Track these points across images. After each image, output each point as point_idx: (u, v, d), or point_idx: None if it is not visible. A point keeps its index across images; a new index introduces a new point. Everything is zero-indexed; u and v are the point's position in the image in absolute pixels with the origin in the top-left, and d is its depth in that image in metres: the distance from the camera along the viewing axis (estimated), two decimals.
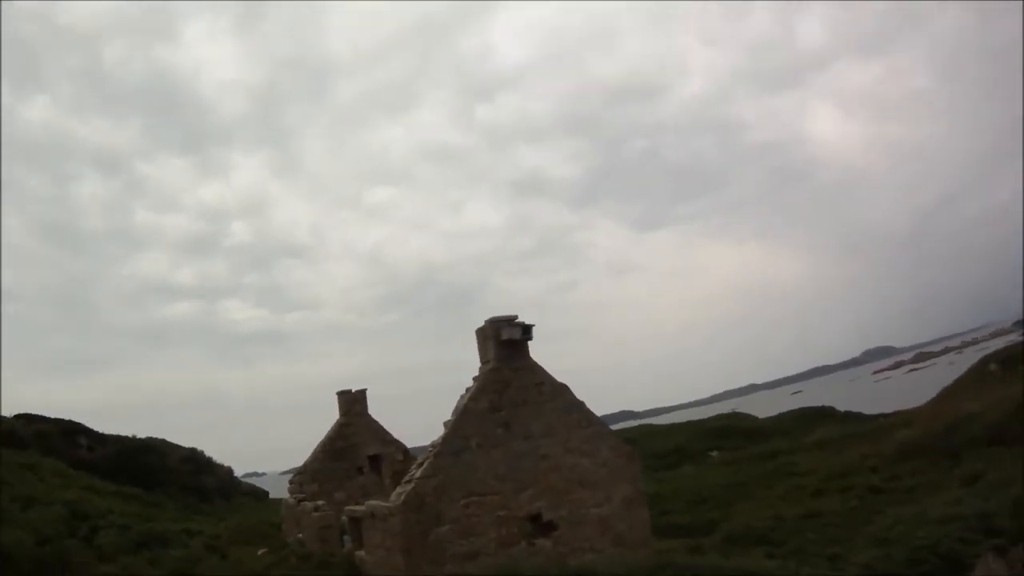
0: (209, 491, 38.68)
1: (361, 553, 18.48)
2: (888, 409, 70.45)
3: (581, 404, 20.08)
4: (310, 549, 20.80)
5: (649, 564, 12.88)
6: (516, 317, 18.68)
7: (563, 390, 19.77)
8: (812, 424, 72.32)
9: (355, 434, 27.31)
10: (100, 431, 40.99)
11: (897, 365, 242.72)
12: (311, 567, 18.61)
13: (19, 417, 40.07)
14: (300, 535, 23.02)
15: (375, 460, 27.60)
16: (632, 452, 21.26)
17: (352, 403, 27.52)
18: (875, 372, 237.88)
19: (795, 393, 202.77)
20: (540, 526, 18.57)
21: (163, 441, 41.86)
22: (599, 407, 19.43)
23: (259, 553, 23.79)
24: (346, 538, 19.71)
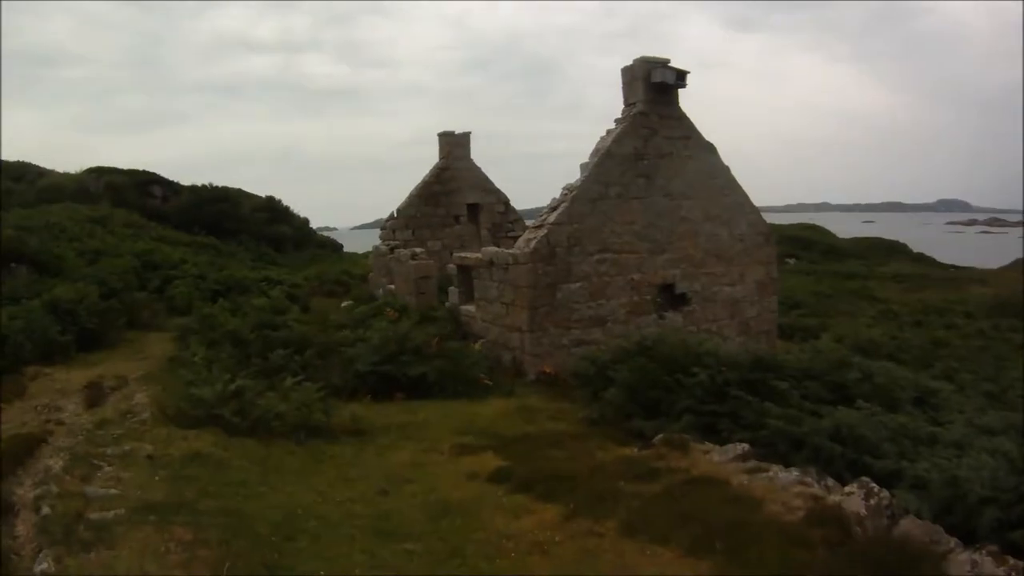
0: (284, 241, 37.41)
1: (470, 308, 16.62)
2: (959, 262, 67.82)
3: (727, 169, 17.49)
4: (404, 301, 19.03)
5: (833, 360, 10.67)
6: (669, 61, 15.73)
7: (710, 149, 17.09)
8: (886, 255, 70.11)
9: (454, 179, 25.14)
10: (175, 181, 39.61)
11: (971, 223, 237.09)
12: (411, 321, 16.83)
13: (90, 171, 38.61)
14: (392, 286, 21.32)
15: (474, 209, 25.59)
16: (771, 232, 18.81)
17: (454, 146, 25.12)
18: (947, 223, 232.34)
19: (867, 222, 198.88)
20: (672, 297, 16.51)
21: (239, 190, 40.38)
22: None
23: (343, 304, 22.36)
24: (452, 290, 17.80)
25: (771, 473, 6.96)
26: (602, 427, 10.03)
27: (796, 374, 10.12)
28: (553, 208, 14.81)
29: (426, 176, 25.07)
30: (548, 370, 14.02)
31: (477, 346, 13.65)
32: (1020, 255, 68.81)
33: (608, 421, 10.17)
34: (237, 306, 16.63)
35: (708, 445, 8.31)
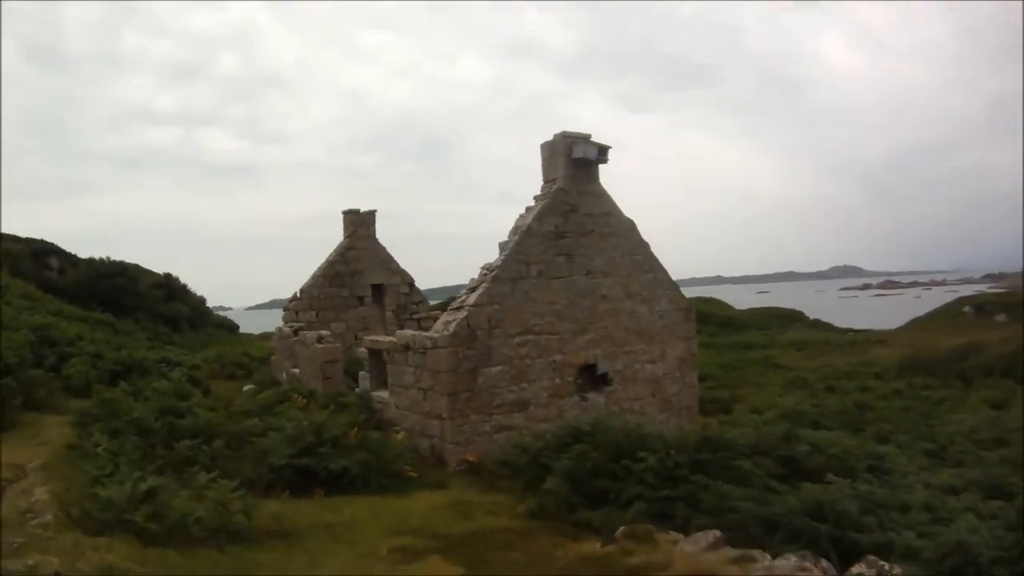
0: (180, 320, 35.55)
1: (383, 394, 15.63)
2: (856, 326, 70.58)
3: (646, 245, 17.26)
4: (310, 387, 17.89)
5: (776, 435, 10.31)
6: (590, 136, 15.51)
7: (630, 226, 16.87)
8: (784, 324, 72.23)
9: (359, 259, 24.26)
10: (72, 253, 37.33)
11: (865, 287, 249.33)
12: (327, 410, 15.75)
13: None
14: (296, 370, 20.11)
15: (378, 290, 24.69)
16: (691, 307, 18.61)
17: (359, 224, 24.28)
18: (841, 289, 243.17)
19: (761, 292, 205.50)
20: (594, 378, 15.96)
21: (136, 266, 38.35)
22: None
23: (245, 389, 21.02)
24: (362, 375, 16.77)
25: (766, 563, 6.46)
26: (546, 520, 9.30)
27: (745, 451, 9.65)
28: (472, 289, 14.14)
29: (330, 255, 24.14)
30: (471, 458, 13.15)
31: (399, 436, 12.69)
32: (914, 315, 71.89)
33: (551, 514, 9.47)
34: (138, 389, 15.20)
35: (674, 535, 7.79)
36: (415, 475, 11.48)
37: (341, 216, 24.24)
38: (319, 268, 23.82)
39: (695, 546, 7.29)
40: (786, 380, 36.33)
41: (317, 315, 23.11)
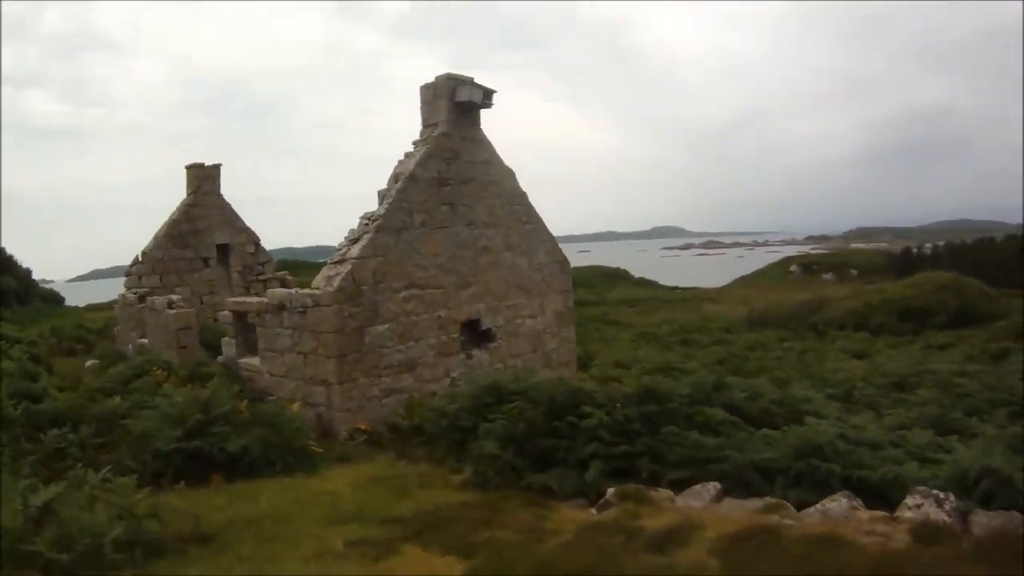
0: (7, 294, 31.90)
1: (252, 361, 14.29)
2: (680, 284, 73.56)
3: (524, 195, 16.65)
4: (164, 357, 16.17)
5: (708, 382, 9.98)
6: (473, 78, 14.64)
7: (510, 175, 16.20)
8: (610, 282, 74.32)
9: (203, 216, 22.32)
10: None
11: (687, 246, 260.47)
12: (180, 381, 14.16)
13: None
14: (144, 340, 18.22)
15: (223, 250, 22.81)
16: (566, 260, 18.26)
17: (203, 179, 22.27)
18: (663, 248, 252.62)
19: (583, 251, 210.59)
20: (477, 334, 15.29)
21: None
22: None
23: (87, 364, 18.91)
24: (226, 341, 15.28)
25: (811, 509, 6.27)
26: (495, 490, 8.46)
27: (685, 401, 9.23)
28: (354, 240, 13.03)
29: (173, 214, 22.05)
30: (364, 426, 12.17)
31: (295, 406, 11.47)
32: (739, 274, 75.71)
33: (494, 482, 8.63)
34: None
35: (663, 491, 7.27)
36: (320, 450, 10.39)
37: (184, 172, 22.18)
38: (161, 228, 21.70)
39: (699, 500, 6.87)
40: (633, 335, 37.01)
41: (161, 279, 21.08)
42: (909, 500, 5.90)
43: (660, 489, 7.37)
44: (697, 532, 6.03)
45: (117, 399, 12.32)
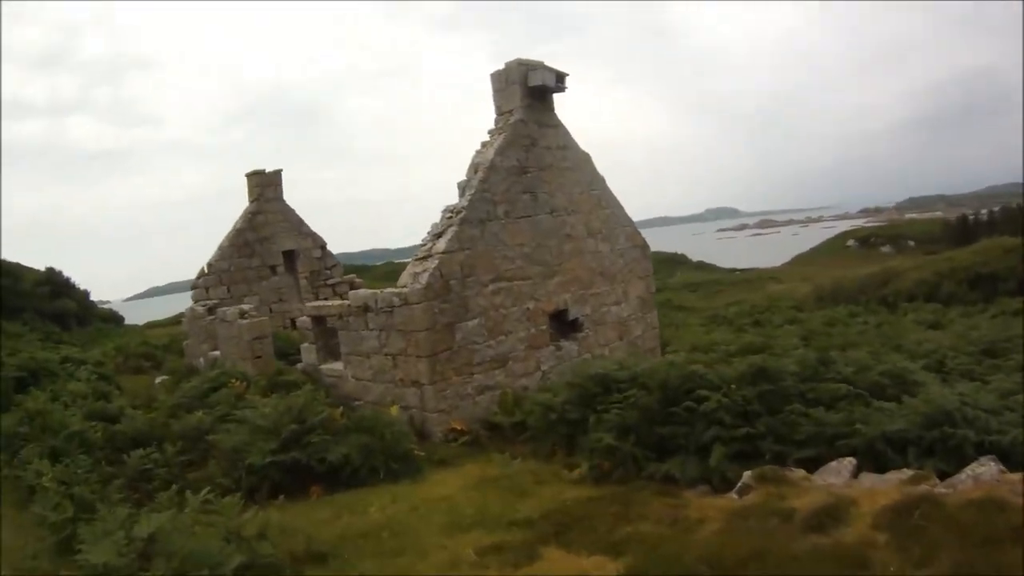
0: (68, 316, 32.17)
1: (335, 366, 13.85)
2: (739, 265, 72.21)
3: (602, 179, 16.01)
4: (239, 368, 15.82)
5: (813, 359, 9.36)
6: (543, 62, 14.04)
7: (587, 159, 15.58)
8: (670, 267, 73.20)
9: (268, 224, 22.07)
10: None
11: (742, 227, 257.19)
12: (261, 392, 13.75)
13: None
14: (216, 352, 17.91)
15: (290, 257, 22.51)
16: (646, 244, 17.57)
17: (265, 186, 22.00)
18: (718, 230, 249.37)
19: None
20: (563, 325, 14.69)
21: (17, 264, 34.58)
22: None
23: (158, 380, 18.71)
24: (305, 347, 14.86)
25: (961, 476, 6.03)
26: (617, 483, 7.96)
27: (796, 379, 8.64)
28: (438, 234, 12.49)
29: (237, 223, 21.80)
30: (458, 426, 11.68)
31: (393, 410, 11.00)
32: (796, 252, 74.11)
33: (612, 474, 8.12)
34: (55, 395, 12.91)
35: (798, 471, 6.93)
36: (423, 454, 9.88)
37: (245, 180, 21.92)
38: (225, 238, 21.47)
39: (838, 477, 6.60)
40: (702, 319, 36.16)
41: (229, 290, 20.85)
42: None
43: (794, 469, 7.08)
44: (852, 508, 5.77)
45: (199, 414, 11.98)
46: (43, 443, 10.05)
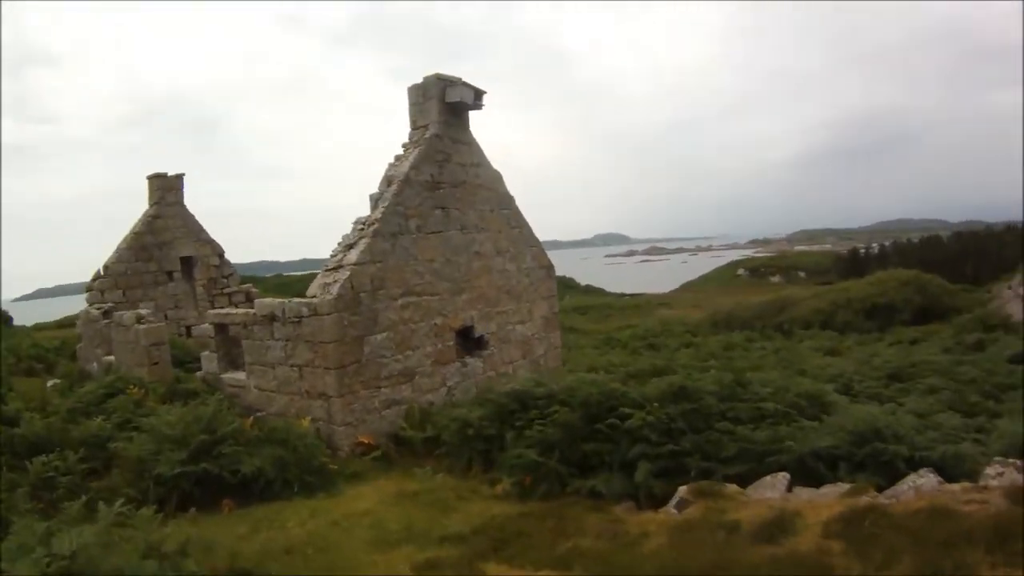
0: None
1: (237, 376, 13.59)
2: (627, 290, 73.72)
3: (512, 199, 16.26)
4: (134, 374, 15.32)
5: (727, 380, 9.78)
6: (461, 79, 14.21)
7: (498, 178, 15.79)
8: (559, 291, 73.88)
9: (167, 228, 21.45)
10: None
11: (630, 253, 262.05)
12: (159, 399, 13.36)
13: None
14: (110, 357, 17.29)
15: (188, 263, 21.92)
16: (551, 265, 17.90)
17: (166, 190, 21.38)
18: (606, 255, 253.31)
19: None
20: (471, 341, 14.82)
21: None
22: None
23: (50, 384, 17.89)
24: (206, 356, 14.53)
25: (902, 487, 6.40)
26: (544, 498, 8.08)
27: (714, 398, 9.01)
28: (349, 246, 12.46)
29: (136, 225, 21.12)
30: (366, 440, 11.65)
31: (305, 422, 10.85)
32: (686, 279, 76.12)
33: (537, 490, 8.26)
34: None
35: (732, 487, 7.18)
36: (335, 467, 9.81)
37: (146, 182, 21.25)
38: (123, 241, 20.77)
39: (774, 492, 6.86)
40: (596, 341, 36.69)
41: (124, 294, 20.18)
42: (990, 470, 6.16)
43: (728, 484, 7.30)
44: (797, 520, 5.96)
45: (98, 420, 11.58)
46: None
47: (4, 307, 40.39)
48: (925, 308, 34.21)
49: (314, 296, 11.93)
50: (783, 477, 7.10)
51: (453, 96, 13.84)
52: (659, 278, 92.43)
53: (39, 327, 34.09)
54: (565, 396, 9.31)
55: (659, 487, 7.65)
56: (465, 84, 13.97)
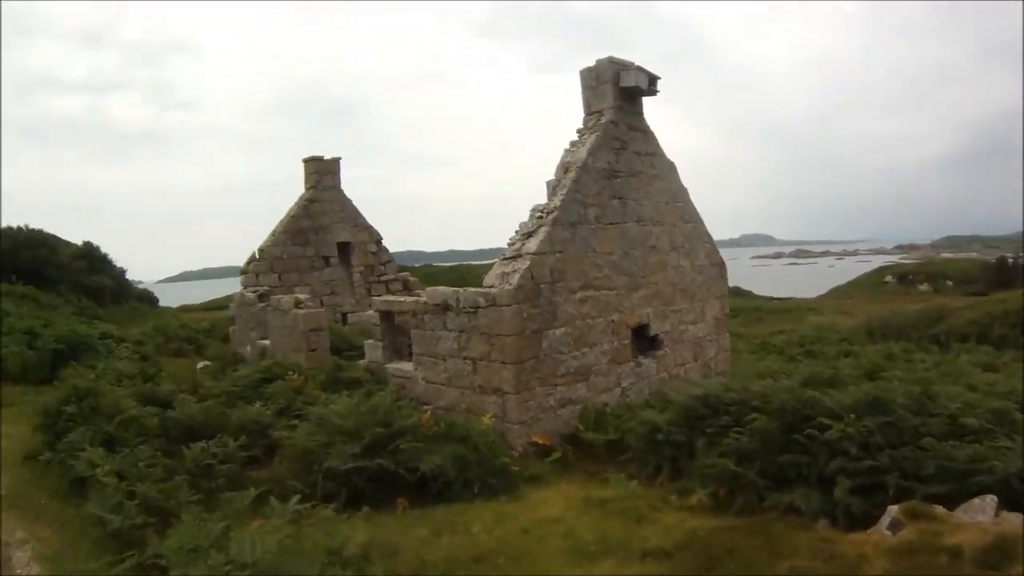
0: (103, 293, 31.84)
1: (403, 366, 13.19)
2: (774, 294, 71.13)
3: (686, 191, 15.29)
4: (291, 360, 15.19)
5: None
6: (635, 63, 13.36)
7: (673, 169, 14.87)
8: None
9: (323, 212, 21.52)
10: None
11: (777, 255, 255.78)
12: (319, 386, 13.08)
13: None
14: (263, 341, 17.32)
15: (345, 249, 21.91)
16: (723, 263, 16.81)
17: (323, 174, 21.44)
18: (753, 257, 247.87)
19: None
20: (646, 341, 13.96)
21: (55, 236, 34.35)
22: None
23: (199, 366, 18.11)
24: (370, 344, 14.22)
25: None
26: (740, 512, 7.42)
27: (908, 410, 8.05)
28: (528, 234, 11.79)
29: (292, 209, 21.23)
30: (541, 440, 10.96)
31: (486, 419, 10.30)
32: (833, 284, 72.93)
33: (731, 502, 7.61)
34: (100, 372, 12.25)
35: (941, 509, 6.46)
36: (516, 468, 9.17)
37: (302, 165, 21.34)
38: (280, 224, 20.91)
39: (983, 515, 6.25)
40: (751, 346, 35.22)
41: (280, 278, 20.29)
42: None
43: (936, 506, 6.57)
44: (1018, 547, 5.33)
45: (257, 406, 11.34)
46: (95, 427, 9.36)
47: (150, 288, 42.25)
48: None
49: (492, 286, 11.32)
50: (991, 500, 6.42)
51: (628, 80, 13.01)
52: (807, 281, 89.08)
53: (185, 308, 35.35)
54: (759, 402, 8.55)
55: (857, 505, 6.95)
56: (640, 68, 13.11)
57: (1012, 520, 6.09)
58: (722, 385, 9.74)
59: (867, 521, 6.77)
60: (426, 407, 11.90)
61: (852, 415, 7.76)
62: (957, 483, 6.87)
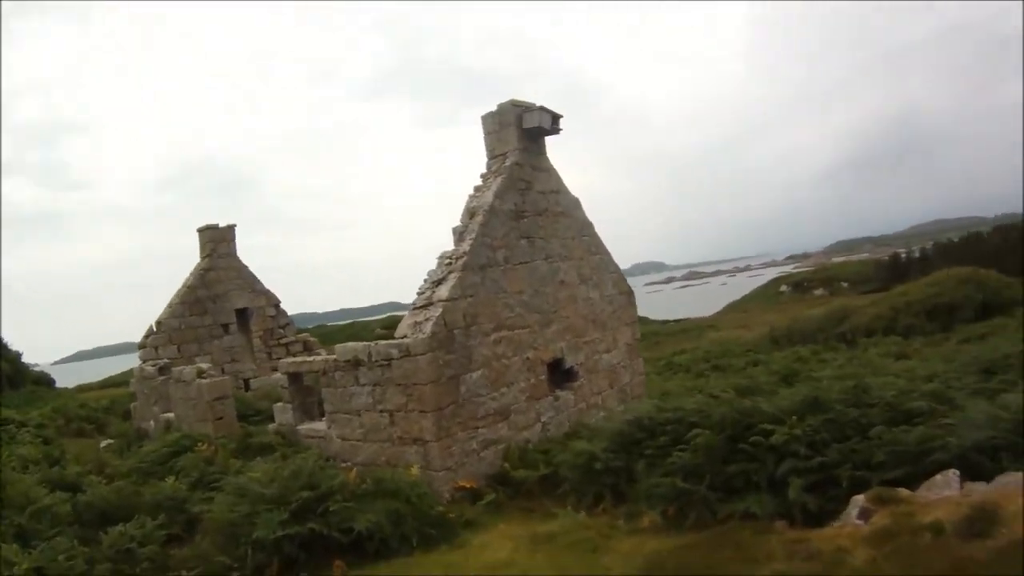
0: (0, 378, 30.01)
1: (315, 426, 12.79)
2: (671, 317, 72.83)
3: (591, 224, 15.52)
4: (198, 431, 14.57)
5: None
6: (536, 104, 13.53)
7: (577, 204, 15.05)
8: None
9: (220, 281, 20.85)
10: None
11: (669, 280, 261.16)
12: (230, 455, 12.57)
13: None
14: (167, 414, 16.58)
15: (243, 315, 21.27)
16: (631, 290, 17.07)
17: (218, 241, 20.83)
18: (646, 284, 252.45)
19: None
20: (561, 374, 13.98)
21: None
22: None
23: (103, 444, 17.28)
24: (279, 407, 13.71)
25: None
26: (696, 528, 7.36)
27: (842, 406, 8.27)
28: (438, 281, 11.65)
29: (188, 279, 20.53)
30: (467, 484, 10.75)
31: (413, 470, 9.98)
32: (728, 300, 74.84)
33: (683, 519, 7.59)
34: (4, 460, 11.54)
35: (903, 490, 6.69)
36: (453, 515, 8.93)
37: (196, 234, 20.73)
38: (176, 295, 20.17)
39: (949, 490, 6.43)
40: (657, 367, 35.74)
41: (179, 349, 19.50)
42: None
43: (899, 489, 6.78)
44: (998, 513, 5.45)
45: (171, 481, 10.80)
46: (7, 520, 8.73)
47: (46, 370, 40.28)
48: (986, 304, 33.19)
49: (404, 336, 11.11)
50: (954, 474, 6.62)
51: (531, 121, 13.14)
52: (700, 302, 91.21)
53: (83, 388, 33.79)
54: (698, 418, 8.65)
55: (812, 502, 7.10)
56: (543, 108, 13.27)
57: (980, 489, 6.25)
58: (655, 407, 9.79)
59: (823, 516, 6.93)
60: (344, 464, 11.56)
61: (794, 417, 7.97)
62: (912, 465, 7.09)
